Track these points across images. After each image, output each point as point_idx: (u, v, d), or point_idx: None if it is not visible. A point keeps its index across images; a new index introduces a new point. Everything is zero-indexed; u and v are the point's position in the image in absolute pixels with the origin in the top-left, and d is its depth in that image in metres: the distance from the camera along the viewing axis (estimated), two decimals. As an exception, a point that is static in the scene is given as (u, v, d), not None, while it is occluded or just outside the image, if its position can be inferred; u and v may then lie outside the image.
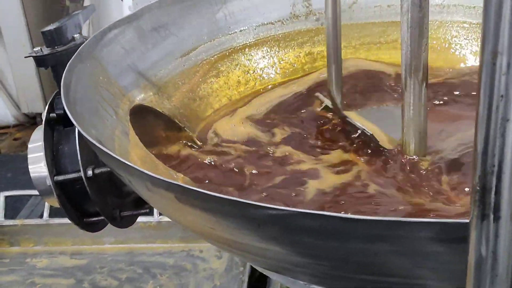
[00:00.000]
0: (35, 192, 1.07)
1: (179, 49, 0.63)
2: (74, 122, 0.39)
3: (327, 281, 0.37)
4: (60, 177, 0.52)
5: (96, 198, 0.52)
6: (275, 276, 0.45)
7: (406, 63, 0.49)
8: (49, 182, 0.52)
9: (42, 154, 0.53)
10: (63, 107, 0.54)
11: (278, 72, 0.69)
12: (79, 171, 0.51)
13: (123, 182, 0.56)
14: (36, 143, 0.55)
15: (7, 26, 1.52)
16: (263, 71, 0.69)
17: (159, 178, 0.33)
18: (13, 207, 1.11)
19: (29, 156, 0.55)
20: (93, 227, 0.57)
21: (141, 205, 0.61)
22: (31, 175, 0.55)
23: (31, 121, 1.70)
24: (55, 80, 0.55)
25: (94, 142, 0.37)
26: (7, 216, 1.01)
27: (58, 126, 0.54)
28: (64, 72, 0.47)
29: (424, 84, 0.49)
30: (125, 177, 0.37)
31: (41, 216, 1.04)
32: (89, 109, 0.48)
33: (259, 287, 0.89)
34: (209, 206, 0.32)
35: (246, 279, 0.87)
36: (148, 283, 0.92)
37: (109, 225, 0.58)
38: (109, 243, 1.01)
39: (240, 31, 0.68)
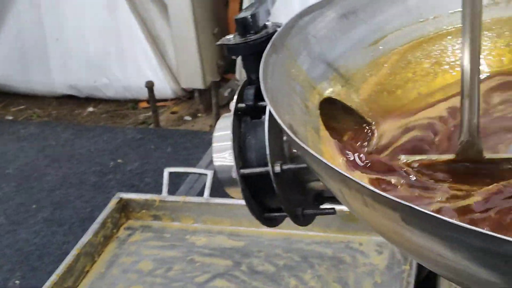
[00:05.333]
0: (196, 170, 1.09)
1: (367, 38, 0.59)
2: (282, 124, 0.37)
3: None
4: (246, 170, 0.51)
5: (281, 195, 0.50)
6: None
7: None
8: (234, 174, 0.51)
9: (227, 143, 0.52)
10: (252, 99, 0.52)
11: (472, 65, 0.62)
12: (267, 165, 0.49)
13: (307, 179, 0.54)
14: (222, 131, 0.54)
15: (173, 3, 1.56)
16: (455, 63, 0.63)
17: (384, 196, 0.30)
18: (174, 183, 1.13)
19: (214, 144, 0.54)
20: (273, 222, 0.56)
21: (320, 202, 0.58)
22: (215, 163, 0.54)
23: (188, 95, 1.75)
24: (245, 69, 0.53)
25: (307, 148, 0.34)
26: (168, 191, 1.04)
27: (245, 117, 0.53)
28: (261, 63, 0.45)
29: None
30: (337, 187, 0.34)
31: (201, 193, 1.06)
32: (283, 103, 0.46)
33: (426, 291, 0.85)
34: (445, 234, 0.28)
35: (412, 280, 0.82)
36: (306, 272, 0.90)
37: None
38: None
39: (433, 18, 0.62)
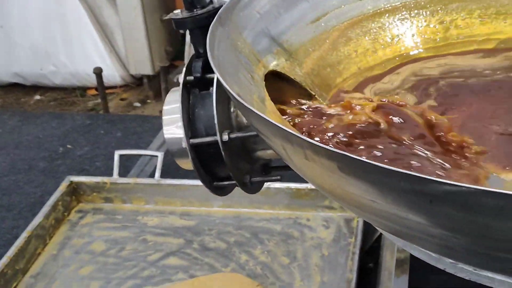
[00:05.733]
0: (147, 152, 1.11)
1: (309, 15, 0.62)
2: (228, 88, 0.39)
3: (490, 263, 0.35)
4: (196, 140, 0.53)
5: (230, 163, 0.52)
6: (417, 252, 0.44)
7: None
8: (184, 144, 0.53)
9: (177, 116, 0.54)
10: (200, 71, 0.55)
11: (408, 41, 0.66)
12: (215, 135, 0.52)
13: (254, 148, 0.56)
14: (171, 105, 0.56)
15: (120, -11, 1.56)
16: (392, 40, 0.66)
17: (322, 147, 0.32)
18: (124, 166, 1.14)
19: (164, 117, 0.56)
20: (222, 191, 0.58)
21: (267, 172, 0.61)
22: (165, 136, 0.55)
23: (137, 82, 1.75)
24: (192, 43, 0.55)
25: (251, 108, 0.36)
26: (118, 174, 1.05)
27: (194, 89, 0.55)
28: (208, 34, 0.47)
29: None
30: (280, 144, 0.37)
31: (152, 176, 1.08)
32: (230, 73, 0.48)
33: (370, 260, 0.88)
34: (377, 178, 0.31)
35: (357, 251, 0.86)
36: (256, 248, 0.93)
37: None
38: (217, 206, 1.02)
39: (371, -3, 0.66)
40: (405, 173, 0.29)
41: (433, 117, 0.51)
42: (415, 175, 0.29)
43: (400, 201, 0.32)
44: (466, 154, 0.46)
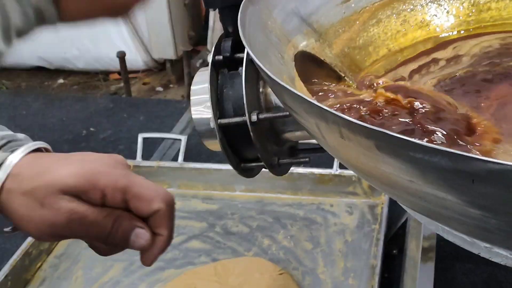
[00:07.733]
0: (170, 136, 1.10)
1: (340, -5, 0.61)
2: (261, 66, 0.38)
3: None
4: (224, 120, 0.52)
5: (258, 144, 0.52)
6: (450, 236, 0.43)
7: None
8: (213, 124, 0.52)
9: (205, 96, 0.53)
10: (229, 50, 0.54)
11: (439, 23, 0.65)
12: (244, 115, 0.51)
13: (282, 129, 0.55)
14: (199, 85, 0.55)
15: (144, -27, 1.55)
16: (423, 22, 0.65)
17: (360, 124, 0.32)
18: (147, 150, 1.14)
19: (192, 98, 0.55)
20: (250, 173, 0.57)
21: (294, 154, 0.60)
22: (193, 116, 0.55)
23: (160, 66, 1.75)
24: (222, 22, 0.54)
25: (283, 84, 0.35)
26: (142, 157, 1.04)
27: (223, 69, 0.54)
28: (239, 13, 0.46)
29: None
30: (314, 122, 0.36)
31: (175, 159, 1.07)
32: (260, 53, 0.47)
33: (394, 247, 0.87)
34: (417, 156, 0.30)
35: (382, 237, 0.85)
36: (279, 232, 0.92)
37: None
38: (240, 190, 1.02)
39: (402, -22, 0.64)
40: (449, 151, 0.29)
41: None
42: (460, 153, 0.28)
43: (440, 180, 0.31)
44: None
